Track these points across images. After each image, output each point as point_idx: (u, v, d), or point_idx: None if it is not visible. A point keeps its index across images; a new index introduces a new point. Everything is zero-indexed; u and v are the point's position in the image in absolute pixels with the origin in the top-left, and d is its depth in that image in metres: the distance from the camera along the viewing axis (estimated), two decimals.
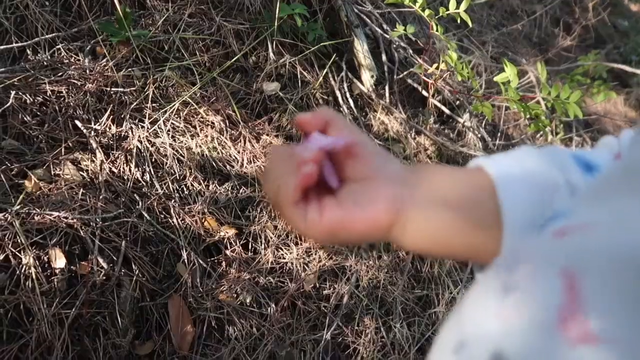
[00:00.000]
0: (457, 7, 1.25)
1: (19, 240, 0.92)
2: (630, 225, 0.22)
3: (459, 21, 1.31)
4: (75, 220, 0.98)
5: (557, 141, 2.32)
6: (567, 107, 1.31)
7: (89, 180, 1.09)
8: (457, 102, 1.82)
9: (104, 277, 0.98)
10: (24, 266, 0.91)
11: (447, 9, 1.29)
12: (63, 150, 1.10)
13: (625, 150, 0.34)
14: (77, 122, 1.15)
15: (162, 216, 1.14)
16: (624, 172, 0.27)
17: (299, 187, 0.33)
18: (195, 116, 1.32)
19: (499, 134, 1.97)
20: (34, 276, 0.90)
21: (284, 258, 1.24)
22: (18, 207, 0.94)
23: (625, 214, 0.23)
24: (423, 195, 0.34)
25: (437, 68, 1.40)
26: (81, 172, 1.10)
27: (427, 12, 1.28)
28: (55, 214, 0.98)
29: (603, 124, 2.99)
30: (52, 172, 1.06)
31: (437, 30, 1.26)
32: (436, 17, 1.34)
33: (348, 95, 1.60)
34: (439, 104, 1.72)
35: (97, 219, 1.02)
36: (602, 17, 2.76)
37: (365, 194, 0.34)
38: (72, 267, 0.96)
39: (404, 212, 0.34)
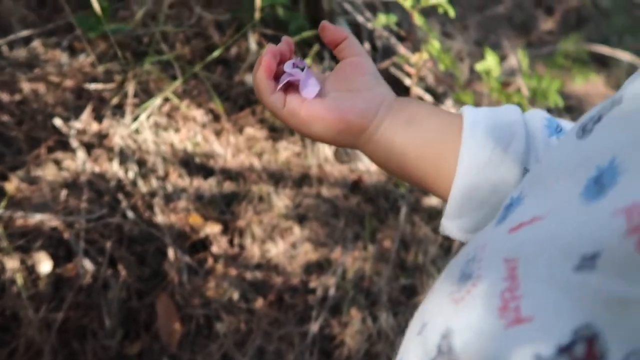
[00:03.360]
0: None
1: (2, 245, 0.91)
2: (563, 215, 0.24)
3: (441, 11, 1.31)
4: (58, 223, 0.98)
5: None
6: (547, 96, 1.32)
7: (71, 180, 1.08)
8: (441, 89, 1.83)
9: (91, 279, 0.98)
10: (9, 271, 0.91)
11: None
12: (43, 150, 1.09)
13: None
14: (57, 121, 1.13)
15: (147, 214, 1.14)
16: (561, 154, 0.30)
17: (263, 75, 0.40)
18: (177, 111, 1.30)
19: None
20: (19, 281, 0.90)
21: (270, 252, 1.25)
22: (0, 211, 0.93)
23: (560, 203, 0.25)
24: (395, 115, 0.40)
25: (419, 57, 1.40)
26: (63, 172, 1.09)
27: (408, 2, 1.27)
28: (39, 216, 0.97)
29: (584, 105, 3.04)
30: (33, 174, 1.05)
31: (418, 21, 1.26)
32: (418, 6, 1.33)
33: None
34: (422, 92, 1.73)
35: (81, 220, 1.01)
36: None
37: (349, 100, 0.40)
38: (57, 270, 0.96)
39: (375, 123, 0.39)
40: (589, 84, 3.12)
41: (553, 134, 0.39)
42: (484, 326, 0.23)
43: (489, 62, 1.38)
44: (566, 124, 0.41)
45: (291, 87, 0.43)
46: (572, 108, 2.80)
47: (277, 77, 0.43)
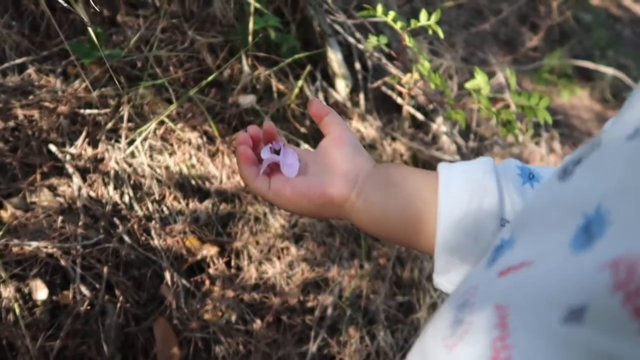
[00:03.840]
0: (429, 19, 1.28)
1: None
2: (551, 263, 0.24)
3: (430, 32, 1.34)
4: (55, 250, 0.97)
5: (527, 138, 2.39)
6: (537, 113, 1.35)
7: (66, 206, 1.08)
8: (431, 106, 1.85)
9: (88, 306, 0.97)
10: (5, 299, 0.90)
11: (419, 20, 1.31)
12: (38, 176, 1.08)
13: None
14: (52, 146, 1.13)
15: (143, 238, 1.13)
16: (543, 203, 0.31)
17: (242, 164, 0.45)
18: (172, 134, 1.31)
19: (472, 136, 2.01)
20: (15, 309, 0.89)
21: (267, 273, 1.25)
22: None
23: (549, 250, 0.25)
24: (374, 182, 0.42)
25: (410, 77, 1.42)
26: (58, 198, 1.08)
27: (399, 24, 1.30)
28: (34, 243, 0.96)
29: (570, 118, 3.09)
30: (29, 200, 1.05)
31: (409, 42, 1.29)
32: (408, 28, 1.36)
33: (324, 104, 1.61)
34: (413, 111, 1.75)
35: (78, 247, 1.01)
36: (567, 13, 2.85)
37: (328, 174, 0.43)
38: (54, 297, 0.95)
39: (355, 192, 0.42)
40: (574, 97, 3.18)
41: (526, 182, 0.41)
42: None
43: (479, 80, 1.40)
44: (539, 169, 0.43)
45: (274, 168, 0.45)
46: (558, 122, 2.85)
47: (260, 159, 0.47)
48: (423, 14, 1.30)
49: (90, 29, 1.01)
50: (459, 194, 0.39)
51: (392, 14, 1.30)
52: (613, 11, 5.03)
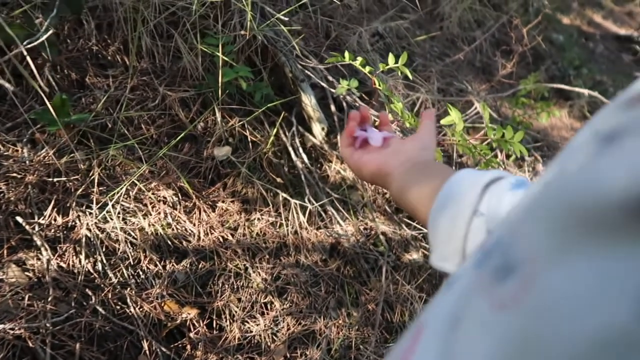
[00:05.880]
0: (396, 62, 1.28)
1: None
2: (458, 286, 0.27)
3: (399, 74, 1.34)
4: (22, 331, 0.93)
5: (510, 163, 2.39)
6: (512, 146, 1.35)
7: (35, 280, 1.04)
8: None
9: None
10: None
11: (388, 61, 1.31)
12: (5, 251, 1.05)
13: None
14: (19, 219, 1.10)
15: (118, 307, 1.09)
16: None
17: (345, 135, 0.62)
18: (146, 193, 1.28)
19: (453, 166, 2.00)
20: None
21: (251, 331, 1.21)
22: None
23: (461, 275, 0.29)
24: (414, 168, 0.54)
25: None
26: (27, 273, 1.05)
27: (367, 68, 1.30)
28: (0, 326, 0.92)
29: (551, 138, 3.11)
30: None
31: (379, 86, 1.28)
32: (377, 72, 1.36)
33: (301, 149, 1.60)
34: None
35: (47, 324, 0.96)
36: (537, 39, 2.90)
37: (392, 155, 0.57)
38: None
39: (397, 172, 0.54)
40: (554, 117, 3.21)
41: (513, 189, 0.45)
42: None
43: (453, 116, 1.40)
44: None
45: (363, 145, 0.62)
46: (538, 140, 2.86)
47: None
48: (391, 58, 1.30)
49: (47, 102, 0.99)
50: (452, 190, 0.47)
51: (359, 59, 1.30)
52: (584, 29, 5.16)
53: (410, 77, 1.29)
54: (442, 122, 1.43)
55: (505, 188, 0.44)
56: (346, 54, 1.29)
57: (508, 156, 2.36)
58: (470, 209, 0.44)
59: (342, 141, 0.62)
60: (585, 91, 2.40)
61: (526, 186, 0.45)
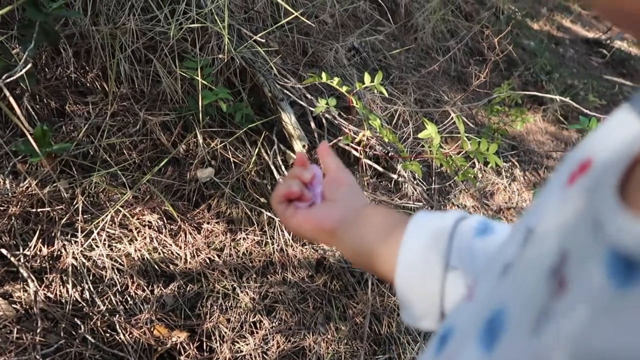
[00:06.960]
0: (372, 80, 1.32)
1: None
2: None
3: (376, 92, 1.38)
4: None
5: (488, 171, 2.45)
6: (487, 158, 1.39)
7: (23, 312, 1.04)
8: (391, 155, 1.89)
9: None
10: None
11: (363, 82, 1.35)
12: None
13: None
14: (4, 251, 1.10)
15: (108, 335, 1.10)
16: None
17: (281, 194, 0.52)
18: (131, 218, 1.29)
19: (434, 177, 2.05)
20: None
21: (242, 351, 1.22)
22: None
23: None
24: (356, 222, 0.49)
25: (363, 135, 1.46)
26: (14, 306, 1.05)
27: (344, 88, 1.34)
28: None
29: (527, 143, 3.19)
30: None
31: (356, 104, 1.32)
32: (354, 91, 1.40)
33: (283, 167, 1.62)
34: (371, 163, 1.78)
35: (37, 356, 0.97)
36: (509, 47, 2.98)
37: (327, 210, 0.51)
38: None
39: (342, 228, 0.49)
40: (528, 122, 3.29)
41: (478, 236, 0.44)
42: None
43: (429, 130, 1.44)
44: (498, 226, 0.45)
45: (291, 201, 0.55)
46: (515, 147, 2.94)
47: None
48: (367, 77, 1.34)
49: (28, 134, 1.00)
50: (415, 245, 0.44)
51: (336, 79, 1.34)
52: (554, 34, 5.30)
53: (386, 94, 1.33)
54: (420, 135, 1.47)
55: (470, 235, 0.44)
56: (323, 74, 1.33)
57: (486, 163, 2.42)
58: (441, 265, 0.42)
59: (275, 198, 0.53)
60: (557, 97, 2.48)
61: (489, 229, 0.44)
